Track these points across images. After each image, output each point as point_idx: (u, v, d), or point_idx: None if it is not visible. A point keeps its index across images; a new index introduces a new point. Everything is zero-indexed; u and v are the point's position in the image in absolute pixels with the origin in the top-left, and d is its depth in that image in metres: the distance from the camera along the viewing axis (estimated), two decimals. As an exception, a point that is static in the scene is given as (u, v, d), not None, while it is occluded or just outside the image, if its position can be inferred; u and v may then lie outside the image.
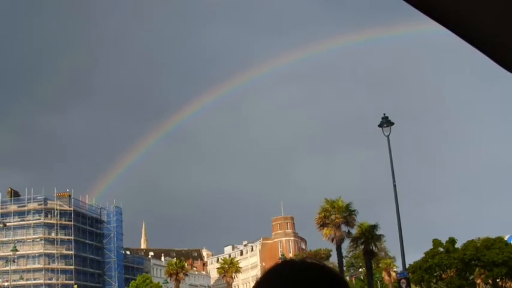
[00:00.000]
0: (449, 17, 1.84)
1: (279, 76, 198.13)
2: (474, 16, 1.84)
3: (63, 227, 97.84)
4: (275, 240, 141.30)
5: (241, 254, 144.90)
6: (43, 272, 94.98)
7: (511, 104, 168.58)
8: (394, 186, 32.54)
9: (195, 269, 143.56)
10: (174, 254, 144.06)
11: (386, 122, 32.73)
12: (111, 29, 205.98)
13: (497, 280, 62.89)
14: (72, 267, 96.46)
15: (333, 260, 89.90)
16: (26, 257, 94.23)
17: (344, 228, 58.43)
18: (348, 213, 57.96)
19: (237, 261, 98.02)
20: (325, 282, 1.37)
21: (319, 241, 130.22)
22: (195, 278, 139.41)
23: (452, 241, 63.43)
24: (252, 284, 1.39)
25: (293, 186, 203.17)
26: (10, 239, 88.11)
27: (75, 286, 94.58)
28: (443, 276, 63.73)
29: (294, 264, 1.40)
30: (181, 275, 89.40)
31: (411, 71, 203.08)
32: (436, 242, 64.11)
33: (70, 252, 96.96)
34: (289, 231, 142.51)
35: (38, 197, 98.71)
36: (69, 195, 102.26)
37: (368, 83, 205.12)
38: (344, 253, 74.06)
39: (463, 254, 60.67)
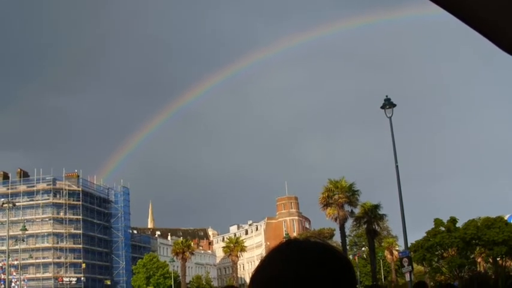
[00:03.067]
0: None
1: (283, 58, 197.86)
2: None
3: (72, 207, 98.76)
4: (279, 219, 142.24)
5: (246, 233, 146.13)
6: (52, 251, 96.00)
7: (511, 84, 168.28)
8: (397, 166, 32.30)
9: (201, 248, 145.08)
10: (181, 233, 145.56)
11: (388, 104, 32.45)
12: (119, 11, 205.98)
13: (498, 259, 63.54)
14: (80, 246, 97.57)
15: (336, 239, 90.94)
16: (35, 236, 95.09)
17: (347, 207, 59.17)
18: (351, 193, 58.63)
19: (242, 240, 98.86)
20: (328, 261, 1.38)
21: (323, 220, 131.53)
22: (201, 257, 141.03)
23: (453, 220, 63.70)
24: (257, 263, 1.47)
25: (297, 166, 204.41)
26: (19, 218, 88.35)
27: (83, 265, 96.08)
28: (444, 255, 64.27)
29: (298, 243, 1.42)
30: (187, 253, 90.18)
31: (412, 53, 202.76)
32: (438, 222, 64.38)
33: (78, 231, 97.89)
34: (293, 210, 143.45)
35: (47, 178, 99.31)
36: (78, 176, 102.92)
37: (369, 65, 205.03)
38: (347, 232, 74.97)
39: (463, 233, 61.07)
